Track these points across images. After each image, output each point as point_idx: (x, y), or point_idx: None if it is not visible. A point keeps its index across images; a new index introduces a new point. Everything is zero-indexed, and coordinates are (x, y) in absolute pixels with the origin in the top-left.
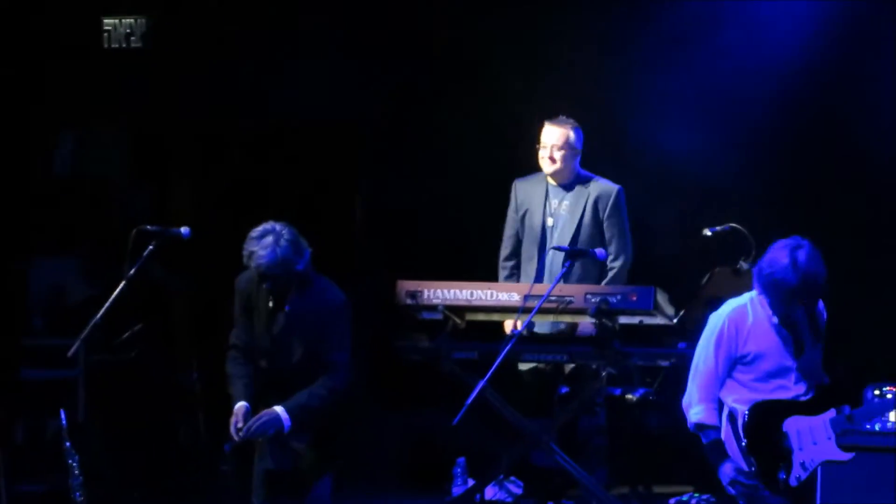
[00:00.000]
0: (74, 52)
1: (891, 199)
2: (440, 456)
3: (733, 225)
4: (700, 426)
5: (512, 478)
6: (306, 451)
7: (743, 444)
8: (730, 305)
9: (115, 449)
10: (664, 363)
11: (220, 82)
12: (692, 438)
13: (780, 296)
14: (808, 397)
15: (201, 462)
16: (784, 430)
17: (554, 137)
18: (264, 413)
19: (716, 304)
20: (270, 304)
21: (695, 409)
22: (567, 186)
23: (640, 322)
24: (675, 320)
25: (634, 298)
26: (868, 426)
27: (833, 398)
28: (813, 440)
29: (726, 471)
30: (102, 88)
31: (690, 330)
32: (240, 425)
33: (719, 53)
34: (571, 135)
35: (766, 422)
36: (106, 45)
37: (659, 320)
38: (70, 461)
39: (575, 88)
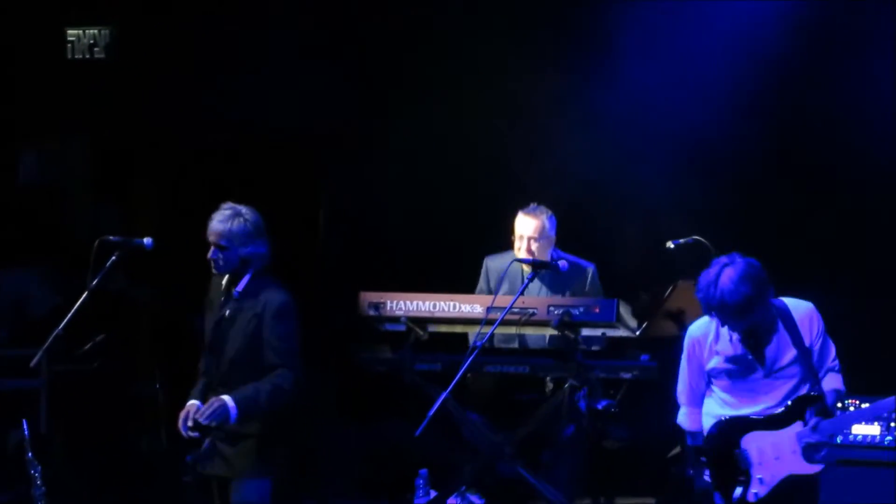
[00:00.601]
0: (38, 63)
1: (855, 211)
2: (402, 467)
3: (696, 237)
4: (682, 428)
5: (474, 489)
6: (236, 457)
7: (702, 460)
8: (695, 325)
9: (78, 459)
10: (627, 375)
11: (184, 94)
12: (655, 450)
13: (708, 313)
14: (777, 411)
15: (163, 473)
16: (742, 446)
17: (530, 229)
18: (214, 400)
19: (678, 316)
20: (222, 298)
21: (681, 411)
22: (544, 272)
23: (603, 333)
24: (637, 333)
25: (597, 311)
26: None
27: (803, 411)
28: (776, 455)
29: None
30: (66, 99)
31: (653, 342)
32: (190, 421)
33: (678, 65)
34: (547, 224)
35: (725, 439)
36: (69, 56)
37: (622, 333)
38: (32, 472)
39: (538, 102)
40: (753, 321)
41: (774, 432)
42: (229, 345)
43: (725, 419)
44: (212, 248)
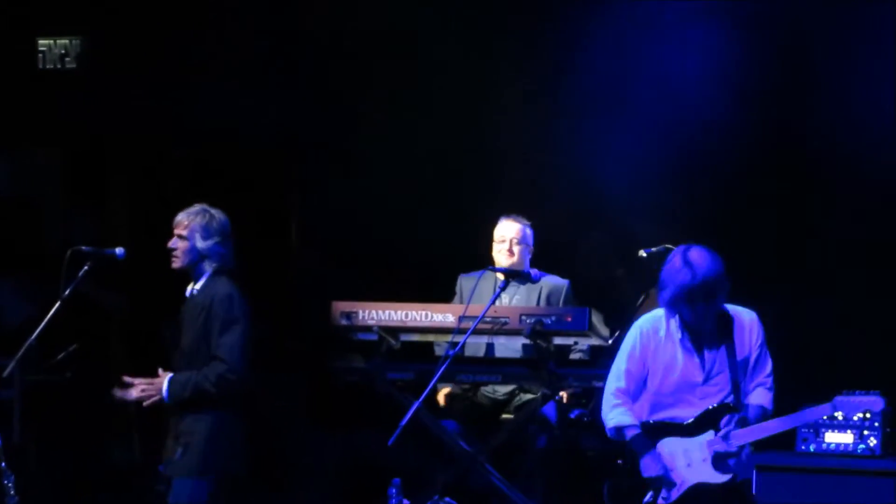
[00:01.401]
0: (8, 73)
1: (826, 218)
2: (375, 476)
3: (668, 246)
4: (619, 429)
5: (447, 499)
6: (179, 456)
7: (619, 462)
8: (644, 318)
9: (51, 469)
10: (599, 384)
11: (155, 104)
12: (626, 460)
13: (681, 299)
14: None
15: (136, 482)
16: (657, 450)
17: (512, 232)
18: (162, 376)
19: None
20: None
21: (618, 409)
22: (520, 280)
23: (576, 342)
24: (610, 341)
25: (569, 319)
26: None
27: (717, 420)
28: (687, 462)
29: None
30: (37, 109)
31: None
32: (135, 391)
33: (648, 74)
34: (527, 231)
35: (643, 440)
36: (40, 66)
37: (594, 341)
38: (6, 481)
39: (510, 109)
40: (714, 310)
41: (688, 439)
42: (184, 339)
43: (645, 422)
44: (173, 239)
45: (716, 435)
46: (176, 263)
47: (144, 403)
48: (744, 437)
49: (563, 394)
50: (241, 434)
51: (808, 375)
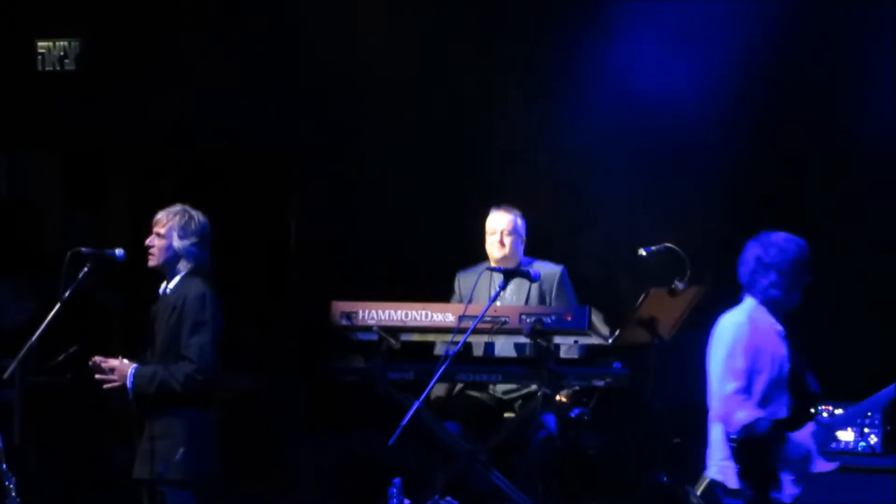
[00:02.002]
0: (7, 75)
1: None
2: (376, 476)
3: (668, 245)
4: (750, 425)
5: (448, 498)
6: (161, 461)
7: (737, 468)
8: (739, 313)
9: (52, 471)
10: (599, 383)
11: (154, 105)
12: (627, 458)
13: (804, 271)
14: (788, 411)
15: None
16: (774, 447)
17: (503, 223)
18: (124, 364)
19: (650, 324)
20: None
21: (741, 414)
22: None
23: (576, 341)
24: (610, 340)
25: (569, 318)
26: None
27: (810, 410)
28: (800, 454)
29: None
30: (36, 111)
31: (625, 350)
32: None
33: (644, 71)
34: (519, 221)
35: (757, 441)
36: (39, 68)
37: (594, 340)
38: (7, 483)
39: (509, 109)
40: None
41: (797, 432)
42: (157, 338)
43: (753, 423)
44: (151, 238)
45: (817, 426)
46: (152, 261)
47: (105, 387)
48: (839, 425)
49: (562, 398)
50: (215, 433)
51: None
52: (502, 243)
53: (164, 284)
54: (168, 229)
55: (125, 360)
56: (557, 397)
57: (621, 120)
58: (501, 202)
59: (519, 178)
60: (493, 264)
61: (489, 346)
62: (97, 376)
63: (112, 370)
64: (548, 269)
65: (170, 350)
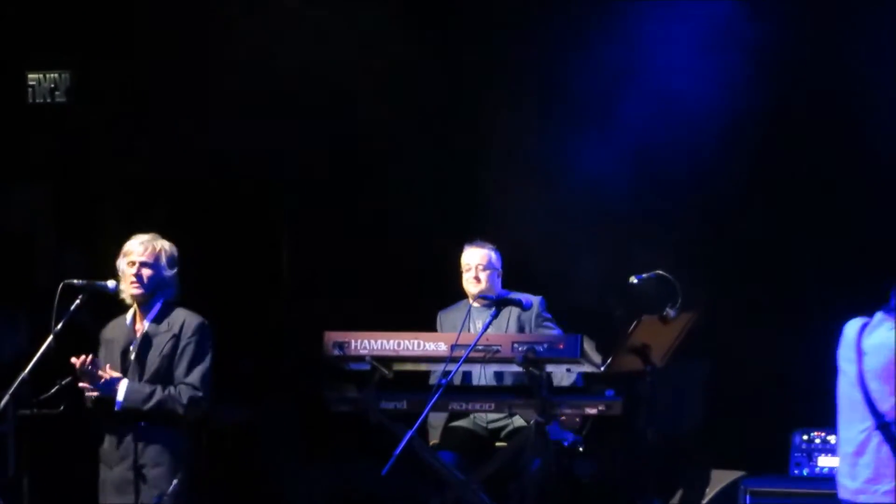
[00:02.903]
0: None
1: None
2: None
3: (660, 272)
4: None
5: None
6: (149, 488)
7: None
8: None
9: (46, 502)
10: (592, 411)
11: (145, 136)
12: (620, 486)
13: None
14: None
15: None
16: None
17: (477, 258)
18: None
19: (643, 351)
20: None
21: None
22: (488, 306)
23: (568, 369)
24: (602, 368)
25: (562, 347)
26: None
27: None
28: None
29: None
30: (27, 143)
31: (618, 378)
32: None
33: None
34: (493, 255)
35: None
36: (30, 100)
37: (586, 368)
38: None
39: (497, 140)
40: None
41: None
42: (147, 368)
43: None
44: (136, 268)
45: None
46: (137, 290)
47: (86, 394)
48: None
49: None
50: (194, 461)
51: None
52: (478, 279)
53: (131, 315)
54: (155, 259)
55: (115, 374)
56: (563, 417)
57: (613, 146)
58: (474, 238)
59: (508, 206)
60: (470, 300)
61: (466, 375)
62: (81, 383)
63: (105, 383)
64: (528, 302)
65: (162, 378)
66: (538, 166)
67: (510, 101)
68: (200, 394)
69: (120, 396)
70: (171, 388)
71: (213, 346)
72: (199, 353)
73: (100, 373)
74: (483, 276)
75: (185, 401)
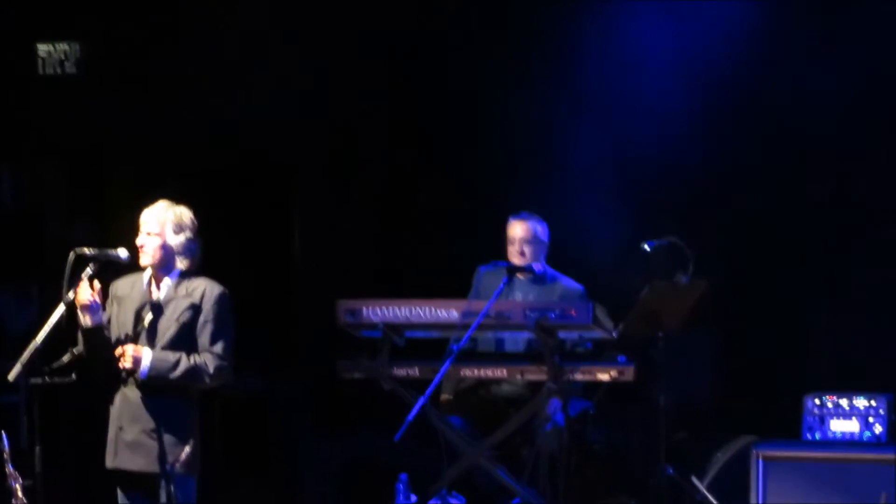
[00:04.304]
0: (8, 79)
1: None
2: (382, 473)
3: (672, 238)
4: None
5: (454, 493)
6: (162, 452)
7: None
8: None
9: (57, 472)
10: (604, 377)
11: (155, 108)
12: (633, 453)
13: None
14: None
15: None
16: None
17: (521, 232)
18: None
19: (655, 317)
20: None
21: None
22: (534, 280)
23: (580, 336)
24: (614, 334)
25: (573, 313)
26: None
27: None
28: None
29: None
30: (37, 115)
31: (629, 344)
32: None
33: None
34: (539, 228)
35: None
36: (40, 72)
37: (598, 335)
38: (13, 483)
39: (511, 106)
40: None
41: None
42: (160, 334)
43: None
44: (143, 237)
45: None
46: (145, 260)
47: (122, 364)
48: None
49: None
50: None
51: None
52: (523, 253)
53: (148, 281)
54: (160, 227)
55: (143, 349)
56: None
57: (628, 117)
58: (519, 210)
59: (525, 177)
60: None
61: (500, 343)
62: (82, 313)
63: (131, 356)
64: (570, 288)
65: (178, 346)
66: (552, 131)
67: (532, 66)
68: (226, 363)
69: (145, 364)
70: (197, 357)
71: (235, 316)
72: (222, 322)
73: (126, 349)
74: (527, 250)
75: (211, 370)
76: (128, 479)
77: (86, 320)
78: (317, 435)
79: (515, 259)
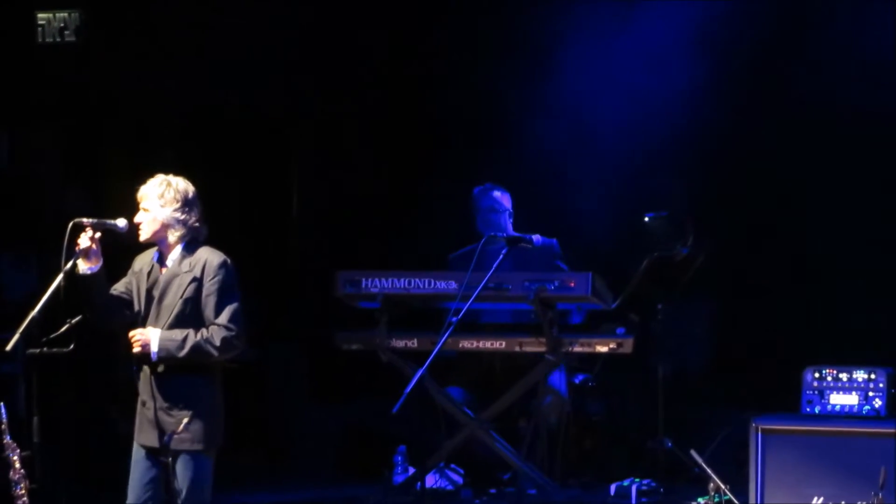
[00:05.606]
0: (7, 47)
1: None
2: (381, 444)
3: (672, 211)
4: None
5: (453, 465)
6: (179, 430)
7: None
8: None
9: (56, 442)
10: (603, 349)
11: (154, 76)
12: (632, 424)
13: None
14: None
15: None
16: None
17: (488, 200)
18: (145, 332)
19: (654, 289)
20: (150, 268)
21: None
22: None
23: (578, 307)
24: (613, 306)
25: (573, 285)
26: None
27: None
28: None
29: None
30: (36, 82)
31: (628, 315)
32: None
33: (645, 39)
34: (502, 198)
35: None
36: (40, 40)
37: (597, 306)
38: (11, 454)
39: (507, 76)
40: None
41: None
42: (165, 311)
43: None
44: (140, 213)
45: None
46: (142, 236)
47: (134, 349)
48: None
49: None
50: (223, 403)
51: None
52: (488, 221)
53: (150, 257)
54: (150, 202)
55: (152, 331)
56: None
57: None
58: (499, 178)
59: (523, 147)
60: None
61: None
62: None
63: (140, 339)
64: (545, 243)
65: (184, 322)
66: (549, 102)
67: (525, 42)
68: (234, 332)
69: (154, 347)
70: (204, 331)
71: (238, 283)
72: (226, 291)
73: (134, 334)
74: (493, 218)
75: (217, 342)
76: (154, 455)
77: (83, 266)
78: (314, 405)
79: (483, 227)
